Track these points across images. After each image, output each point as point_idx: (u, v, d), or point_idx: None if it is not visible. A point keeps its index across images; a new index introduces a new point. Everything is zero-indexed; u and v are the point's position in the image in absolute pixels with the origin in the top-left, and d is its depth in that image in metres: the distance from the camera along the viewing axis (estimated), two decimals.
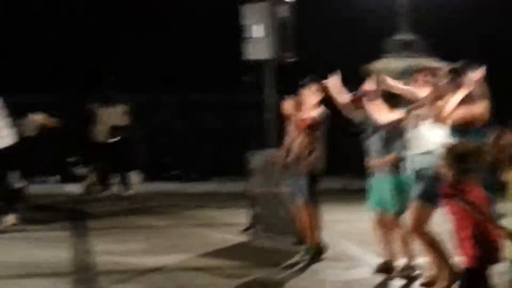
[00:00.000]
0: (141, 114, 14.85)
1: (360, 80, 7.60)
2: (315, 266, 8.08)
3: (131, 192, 13.91)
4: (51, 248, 9.08)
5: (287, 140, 8.61)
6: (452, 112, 6.48)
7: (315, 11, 15.25)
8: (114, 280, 7.50)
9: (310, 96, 8.47)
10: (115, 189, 14.07)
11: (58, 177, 15.10)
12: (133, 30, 16.84)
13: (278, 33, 9.45)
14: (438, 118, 6.66)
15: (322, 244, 8.49)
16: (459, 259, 5.52)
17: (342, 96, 8.02)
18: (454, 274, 6.71)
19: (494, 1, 16.37)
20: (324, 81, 8.13)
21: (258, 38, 9.48)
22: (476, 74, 6.51)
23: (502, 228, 5.32)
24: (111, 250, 8.99)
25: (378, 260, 7.93)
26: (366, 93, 7.45)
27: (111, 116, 13.94)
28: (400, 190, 7.37)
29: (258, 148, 9.71)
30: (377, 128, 7.61)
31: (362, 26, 16.53)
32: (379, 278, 7.47)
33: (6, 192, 10.47)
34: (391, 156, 7.49)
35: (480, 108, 6.56)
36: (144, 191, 14.21)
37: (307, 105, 8.48)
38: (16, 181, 10.90)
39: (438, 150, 6.80)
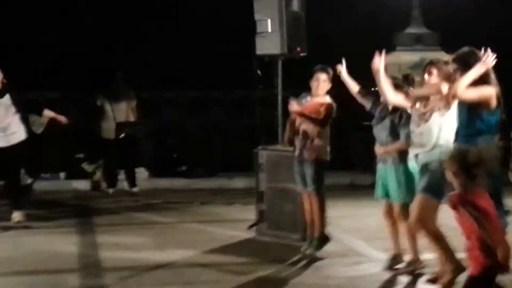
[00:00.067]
0: (148, 111, 14.85)
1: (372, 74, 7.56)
2: (322, 262, 8.07)
3: (138, 188, 13.91)
4: (58, 244, 9.10)
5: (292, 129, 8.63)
6: (465, 88, 6.36)
7: (327, 5, 15.21)
8: (120, 276, 7.51)
9: (320, 85, 8.47)
10: (122, 185, 14.07)
11: (64, 174, 15.10)
12: (140, 26, 16.83)
13: (290, 27, 9.43)
14: (449, 96, 6.57)
15: (328, 233, 8.47)
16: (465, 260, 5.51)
17: (351, 85, 8.11)
18: (458, 270, 6.70)
19: None
20: (335, 67, 8.16)
21: (269, 33, 9.46)
22: (488, 57, 6.42)
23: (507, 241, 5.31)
24: (118, 246, 9.00)
25: (385, 256, 7.92)
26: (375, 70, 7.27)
27: (119, 113, 13.94)
28: (406, 180, 7.34)
29: (266, 144, 9.69)
30: (383, 116, 7.59)
31: (374, 20, 16.46)
32: (386, 274, 7.46)
33: (16, 189, 10.48)
34: (396, 145, 7.45)
35: (491, 91, 6.46)
36: (151, 187, 14.21)
37: (317, 93, 8.48)
38: (23, 177, 10.92)
39: (443, 144, 6.80)
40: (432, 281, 6.98)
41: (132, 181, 13.95)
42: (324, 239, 8.43)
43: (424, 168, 6.87)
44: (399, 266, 7.57)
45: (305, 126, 8.46)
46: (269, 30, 9.46)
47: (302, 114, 8.43)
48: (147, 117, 14.67)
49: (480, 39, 6.90)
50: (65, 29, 16.33)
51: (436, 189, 6.72)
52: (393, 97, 7.25)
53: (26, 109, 10.43)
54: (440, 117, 6.84)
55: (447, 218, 6.72)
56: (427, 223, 6.80)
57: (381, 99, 7.62)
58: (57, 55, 16.40)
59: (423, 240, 7.27)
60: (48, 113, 10.57)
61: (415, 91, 7.13)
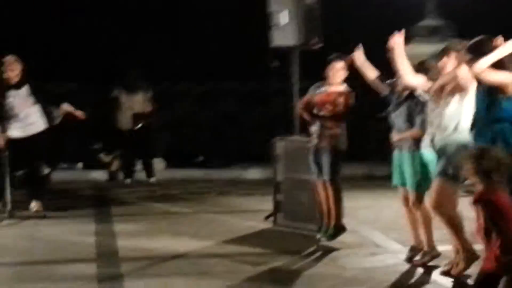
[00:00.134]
0: (164, 101, 14.87)
1: (388, 66, 7.53)
2: (338, 253, 8.07)
3: (154, 178, 13.96)
4: (75, 234, 9.15)
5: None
6: (486, 68, 6.30)
7: None
8: (137, 266, 7.55)
9: (337, 73, 8.46)
10: (138, 176, 14.12)
11: (82, 164, 15.17)
12: (156, 18, 16.85)
13: (305, 19, 9.41)
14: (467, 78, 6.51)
15: (343, 224, 8.47)
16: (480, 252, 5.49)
17: (368, 70, 8.05)
18: (472, 258, 6.69)
19: None
20: (351, 55, 8.14)
21: (284, 24, 9.45)
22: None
23: None
24: (134, 235, 9.05)
25: (401, 248, 7.92)
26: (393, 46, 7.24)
27: (135, 103, 13.99)
28: (422, 168, 7.32)
29: (282, 135, 9.71)
30: (400, 102, 7.56)
31: (390, 12, 16.39)
32: (402, 265, 7.46)
33: (34, 179, 10.55)
34: (411, 132, 7.43)
35: (510, 77, 6.39)
36: (167, 177, 14.25)
37: (334, 81, 8.47)
38: (41, 167, 10.98)
39: (460, 128, 6.77)
40: (447, 272, 6.96)
41: (149, 171, 14.01)
42: (339, 229, 8.44)
43: (441, 152, 6.82)
44: (417, 257, 7.56)
45: (322, 114, 8.45)
46: (284, 22, 9.45)
47: (323, 117, 8.41)
48: (163, 108, 14.70)
49: (497, 29, 6.86)
50: (84, 21, 16.37)
51: (453, 173, 6.67)
52: (411, 76, 7.16)
53: (44, 100, 10.48)
54: (459, 101, 6.79)
55: (464, 210, 6.75)
56: (444, 208, 6.75)
57: (397, 87, 7.59)
58: (74, 46, 16.45)
59: (439, 231, 7.27)
60: (66, 107, 10.63)
61: (434, 85, 7.05)
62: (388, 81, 7.81)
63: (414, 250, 7.61)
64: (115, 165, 14.33)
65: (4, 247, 8.54)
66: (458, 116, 6.79)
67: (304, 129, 8.96)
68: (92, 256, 8.02)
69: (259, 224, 9.58)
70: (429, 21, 16.12)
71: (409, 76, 7.16)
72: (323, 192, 8.51)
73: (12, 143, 10.21)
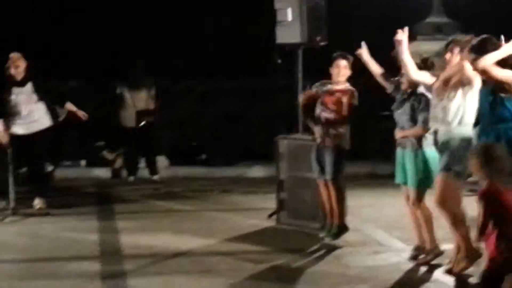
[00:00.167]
0: (168, 99, 14.86)
1: (392, 64, 7.53)
2: (341, 251, 8.07)
3: (158, 176, 13.96)
4: (78, 231, 9.16)
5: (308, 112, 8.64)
6: (491, 64, 6.28)
7: None
8: (139, 263, 7.56)
9: (341, 71, 8.45)
10: (142, 173, 14.12)
11: (85, 161, 15.17)
12: (159, 16, 16.86)
13: (310, 16, 9.41)
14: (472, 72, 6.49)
15: (346, 223, 8.47)
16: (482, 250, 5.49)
17: (374, 66, 8.04)
18: (474, 256, 6.68)
19: None
20: (356, 52, 8.11)
21: (289, 22, 9.44)
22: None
23: None
24: (137, 233, 9.05)
25: (404, 246, 7.91)
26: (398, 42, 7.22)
27: (138, 101, 13.99)
28: (424, 166, 7.31)
29: (286, 133, 9.69)
30: (403, 100, 7.55)
31: (394, 9, 16.39)
32: (405, 264, 7.45)
33: (37, 176, 10.56)
34: (414, 130, 7.42)
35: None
36: (170, 175, 14.24)
37: (337, 80, 8.46)
38: (45, 165, 11.00)
39: (464, 123, 6.76)
40: (450, 271, 6.95)
41: (153, 169, 14.01)
42: (342, 229, 8.43)
43: (444, 146, 6.82)
44: (421, 256, 7.55)
45: (327, 113, 8.45)
46: (289, 19, 9.44)
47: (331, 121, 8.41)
48: (166, 106, 14.69)
49: (501, 28, 6.85)
50: (84, 21, 16.39)
51: (456, 168, 6.67)
52: (415, 72, 7.16)
53: (48, 98, 10.48)
54: (463, 95, 6.78)
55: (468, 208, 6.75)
56: (448, 204, 6.73)
57: (402, 85, 7.59)
58: (75, 46, 16.47)
59: (442, 230, 7.26)
60: (69, 106, 10.64)
61: (439, 77, 7.04)
62: (393, 79, 7.80)
63: (418, 249, 7.59)
64: (118, 163, 14.33)
65: (7, 244, 8.55)
66: (462, 110, 6.79)
67: (307, 128, 8.95)
68: (95, 254, 8.03)
69: (262, 222, 9.58)
70: (433, 19, 16.11)
71: (413, 72, 7.16)
72: (325, 191, 8.50)
73: (16, 140, 10.22)
